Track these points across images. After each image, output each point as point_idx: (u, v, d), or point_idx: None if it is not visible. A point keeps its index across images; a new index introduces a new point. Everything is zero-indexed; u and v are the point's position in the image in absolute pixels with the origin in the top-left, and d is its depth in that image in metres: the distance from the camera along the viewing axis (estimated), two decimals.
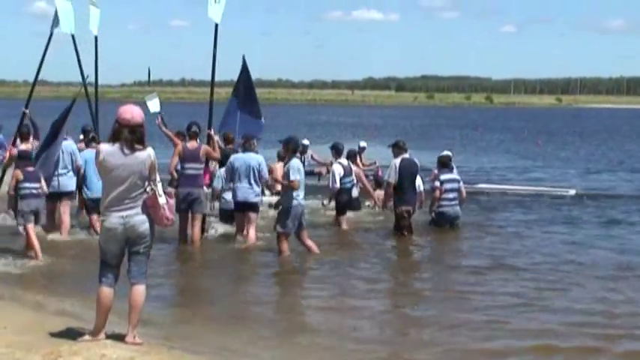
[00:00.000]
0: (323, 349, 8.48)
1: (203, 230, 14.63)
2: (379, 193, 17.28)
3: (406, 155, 15.73)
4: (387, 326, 9.58)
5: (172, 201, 7.62)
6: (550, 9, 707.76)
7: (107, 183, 7.38)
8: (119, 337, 7.50)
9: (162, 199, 7.46)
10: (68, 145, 14.98)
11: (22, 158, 13.83)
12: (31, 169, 13.06)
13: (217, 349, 8.12)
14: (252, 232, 14.17)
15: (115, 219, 7.32)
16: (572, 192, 22.88)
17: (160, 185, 7.52)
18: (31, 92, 16.33)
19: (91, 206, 14.71)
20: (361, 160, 21.50)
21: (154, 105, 18.76)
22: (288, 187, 12.95)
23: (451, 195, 16.35)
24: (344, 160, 16.78)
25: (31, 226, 12.72)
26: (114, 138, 7.37)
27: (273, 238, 13.56)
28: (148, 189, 7.41)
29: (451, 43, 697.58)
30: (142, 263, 7.51)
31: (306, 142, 23.10)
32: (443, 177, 16.36)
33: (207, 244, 14.29)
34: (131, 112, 7.38)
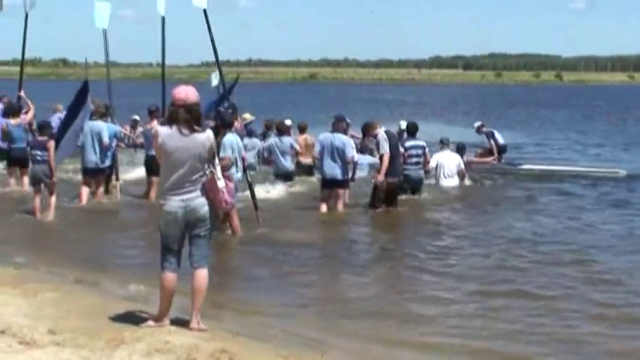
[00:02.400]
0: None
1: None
2: None
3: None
4: None
5: (231, 184, 7.47)
6: None
7: (167, 166, 7.23)
8: (183, 323, 7.38)
9: (221, 183, 7.31)
10: (95, 124, 15.84)
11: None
12: (41, 138, 14.57)
13: (285, 335, 7.93)
14: (340, 205, 15.31)
15: (175, 202, 7.18)
16: (624, 172, 21.66)
17: (218, 168, 7.37)
18: (21, 74, 19.16)
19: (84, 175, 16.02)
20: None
21: (214, 79, 18.87)
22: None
23: (414, 160, 16.82)
24: None
25: (35, 189, 14.43)
26: (171, 120, 7.24)
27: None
28: (207, 172, 7.27)
29: (519, 20, 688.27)
30: (203, 247, 7.37)
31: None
32: (408, 144, 16.90)
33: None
34: (185, 92, 7.25)
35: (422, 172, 17.25)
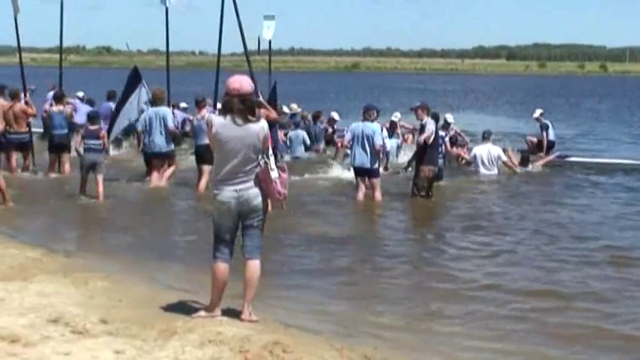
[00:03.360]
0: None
1: None
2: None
3: None
4: None
5: (285, 175, 7.36)
6: None
7: (220, 156, 7.19)
8: (235, 314, 7.34)
9: (274, 173, 7.23)
10: (160, 110, 16.36)
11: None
12: (92, 127, 14.96)
13: (334, 327, 7.87)
14: (377, 195, 15.42)
15: (228, 193, 7.14)
16: None
17: (272, 159, 7.30)
18: (21, 61, 18.79)
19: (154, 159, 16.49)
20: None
21: (268, 30, 18.30)
22: None
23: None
24: None
25: (84, 177, 14.86)
26: (225, 110, 7.19)
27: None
28: (261, 162, 7.21)
29: (563, 10, 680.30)
30: (255, 237, 7.31)
31: (397, 115, 22.34)
32: None
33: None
34: (240, 82, 7.18)
35: (441, 161, 17.34)
